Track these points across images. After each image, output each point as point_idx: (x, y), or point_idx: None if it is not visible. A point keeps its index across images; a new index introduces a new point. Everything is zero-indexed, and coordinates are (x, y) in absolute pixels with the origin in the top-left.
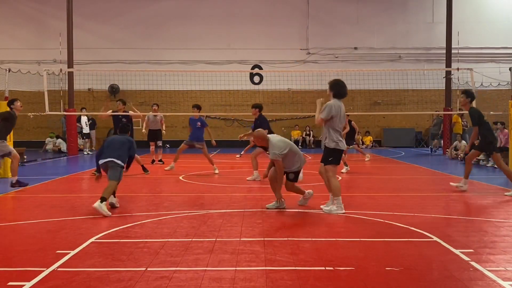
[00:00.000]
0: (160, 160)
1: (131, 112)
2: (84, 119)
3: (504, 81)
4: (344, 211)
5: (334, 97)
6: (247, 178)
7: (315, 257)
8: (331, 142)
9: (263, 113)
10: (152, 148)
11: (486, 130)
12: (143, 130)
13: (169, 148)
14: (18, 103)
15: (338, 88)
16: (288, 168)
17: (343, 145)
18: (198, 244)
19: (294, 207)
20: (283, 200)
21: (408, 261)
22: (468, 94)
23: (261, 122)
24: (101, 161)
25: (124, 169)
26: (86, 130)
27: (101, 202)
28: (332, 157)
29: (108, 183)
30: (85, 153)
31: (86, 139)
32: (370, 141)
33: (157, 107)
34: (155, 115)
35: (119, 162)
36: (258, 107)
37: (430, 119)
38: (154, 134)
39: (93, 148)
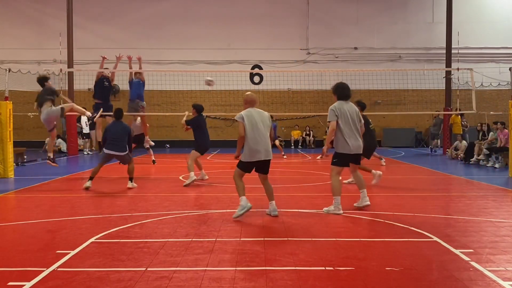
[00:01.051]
0: (153, 161)
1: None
2: (84, 119)
3: (504, 81)
4: (341, 211)
5: (338, 99)
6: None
7: (315, 257)
8: (337, 145)
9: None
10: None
11: (370, 137)
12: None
13: (169, 148)
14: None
15: (339, 91)
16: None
17: (349, 148)
18: (198, 244)
19: (294, 207)
20: (244, 203)
21: (408, 261)
22: (359, 103)
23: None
24: (107, 151)
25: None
26: (86, 130)
27: (131, 181)
28: (337, 159)
29: (128, 168)
30: (85, 153)
31: (86, 139)
32: None
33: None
34: (135, 120)
35: (124, 154)
36: (195, 107)
37: (430, 119)
38: (137, 139)
39: (93, 148)
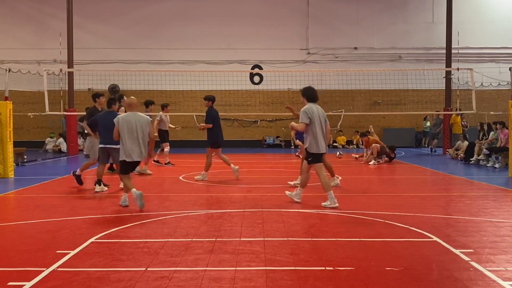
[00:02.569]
0: (157, 161)
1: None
2: None
3: (504, 81)
4: (337, 204)
5: (308, 101)
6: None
7: (315, 257)
8: (311, 146)
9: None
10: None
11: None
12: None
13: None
14: (102, 99)
15: (310, 93)
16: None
17: (320, 148)
18: (198, 244)
19: (294, 207)
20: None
21: (408, 261)
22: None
23: (208, 114)
24: (102, 145)
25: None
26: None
27: (100, 184)
28: (312, 157)
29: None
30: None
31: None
32: None
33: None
34: (166, 115)
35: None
36: (209, 99)
37: (429, 119)
38: (167, 135)
39: None
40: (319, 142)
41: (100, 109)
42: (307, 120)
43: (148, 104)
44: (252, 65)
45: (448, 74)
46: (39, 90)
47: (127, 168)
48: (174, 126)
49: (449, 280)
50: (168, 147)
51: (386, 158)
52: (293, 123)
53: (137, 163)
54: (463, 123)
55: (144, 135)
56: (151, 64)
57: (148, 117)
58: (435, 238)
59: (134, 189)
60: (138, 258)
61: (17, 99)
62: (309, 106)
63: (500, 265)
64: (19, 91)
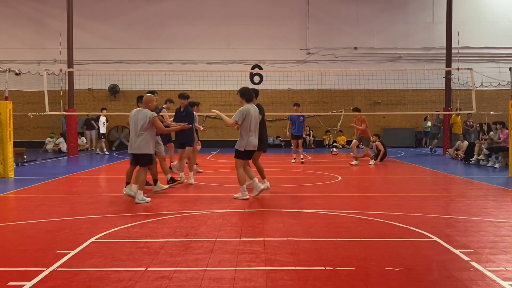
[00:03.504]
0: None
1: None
2: (103, 119)
3: (504, 81)
4: (248, 197)
5: (247, 102)
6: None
7: (315, 257)
8: (241, 143)
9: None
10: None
11: (262, 129)
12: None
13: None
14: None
15: (247, 95)
16: None
17: (251, 146)
18: (198, 244)
19: (293, 207)
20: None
21: (408, 261)
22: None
23: (186, 114)
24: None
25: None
26: (103, 130)
27: (156, 183)
28: (239, 153)
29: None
30: (99, 152)
31: (103, 139)
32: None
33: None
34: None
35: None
36: (187, 97)
37: (430, 119)
38: (196, 134)
39: (113, 148)
40: (249, 140)
41: (182, 109)
42: (240, 120)
43: (191, 105)
44: (252, 65)
45: (448, 74)
46: (39, 90)
47: (131, 160)
48: (201, 127)
49: (449, 280)
50: (199, 146)
51: (382, 149)
52: (224, 117)
53: (137, 156)
54: (468, 123)
55: (140, 129)
56: (151, 64)
57: (153, 113)
58: (435, 238)
59: (134, 186)
60: (138, 258)
61: (17, 99)
62: (246, 106)
63: (500, 265)
64: (19, 91)
